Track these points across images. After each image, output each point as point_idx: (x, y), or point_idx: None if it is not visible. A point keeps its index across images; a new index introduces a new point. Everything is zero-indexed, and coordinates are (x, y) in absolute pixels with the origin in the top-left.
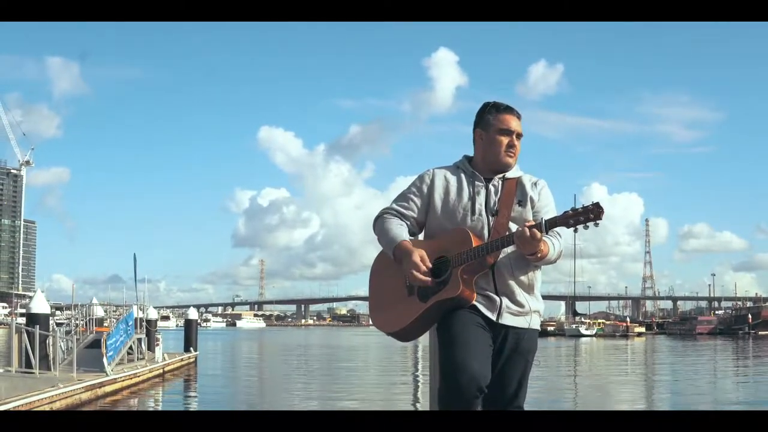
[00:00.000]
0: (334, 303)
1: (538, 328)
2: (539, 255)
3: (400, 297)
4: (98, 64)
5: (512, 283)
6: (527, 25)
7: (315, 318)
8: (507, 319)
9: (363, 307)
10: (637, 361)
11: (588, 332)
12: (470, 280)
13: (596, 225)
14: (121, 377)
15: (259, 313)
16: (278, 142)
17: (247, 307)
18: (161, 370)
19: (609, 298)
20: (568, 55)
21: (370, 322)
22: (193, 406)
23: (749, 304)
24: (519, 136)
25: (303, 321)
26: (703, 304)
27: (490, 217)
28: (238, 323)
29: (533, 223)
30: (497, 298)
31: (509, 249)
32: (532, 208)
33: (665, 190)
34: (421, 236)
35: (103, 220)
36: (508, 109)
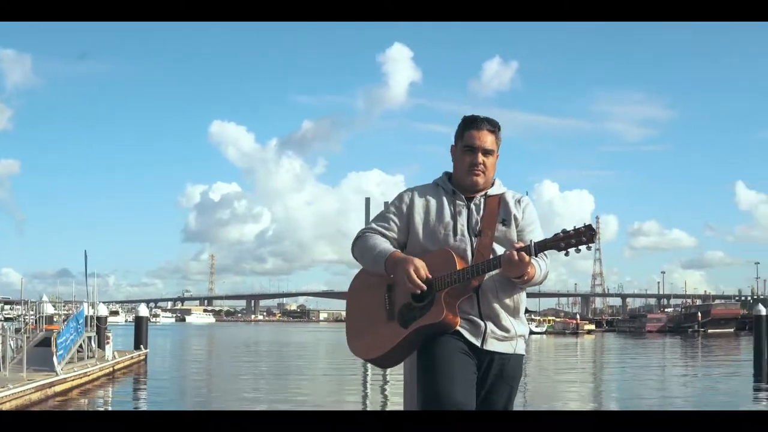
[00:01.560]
0: (285, 298)
1: (524, 353)
2: (526, 278)
3: (379, 321)
4: (51, 59)
5: (497, 306)
6: (482, 22)
7: (265, 313)
8: (492, 345)
9: (313, 303)
10: (587, 359)
11: (538, 330)
12: (454, 304)
13: (588, 248)
14: (71, 376)
15: (209, 308)
16: (230, 136)
17: (197, 302)
18: (111, 369)
19: (559, 295)
20: (522, 52)
21: (320, 318)
22: (143, 406)
23: (698, 301)
24: (487, 152)
25: (253, 316)
26: (653, 301)
27: (473, 238)
28: (188, 318)
29: (520, 245)
30: (482, 323)
31: (494, 271)
32: (516, 227)
33: (616, 187)
34: None
35: (53, 214)
36: (476, 124)
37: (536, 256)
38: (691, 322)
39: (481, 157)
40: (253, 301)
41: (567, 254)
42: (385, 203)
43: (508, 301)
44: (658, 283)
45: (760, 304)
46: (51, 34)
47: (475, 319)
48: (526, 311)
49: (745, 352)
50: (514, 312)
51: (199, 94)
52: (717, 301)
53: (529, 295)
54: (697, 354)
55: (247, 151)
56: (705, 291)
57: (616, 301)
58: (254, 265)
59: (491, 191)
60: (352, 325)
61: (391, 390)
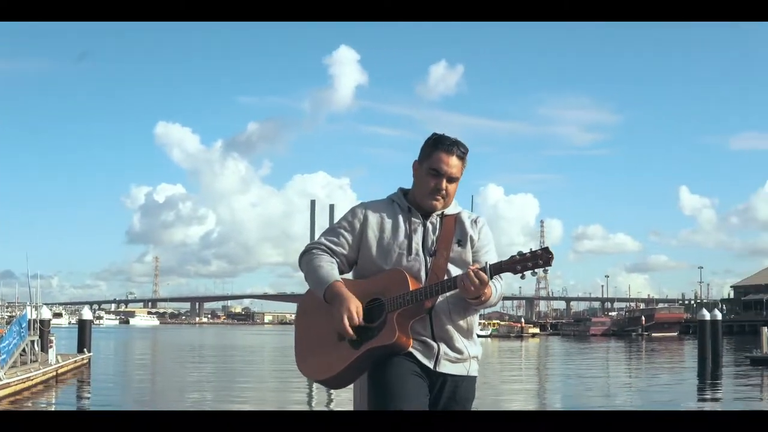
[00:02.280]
0: (229, 301)
1: (477, 374)
2: (483, 299)
3: (329, 342)
4: None
5: (450, 328)
6: (429, 25)
7: (209, 316)
8: (445, 367)
9: (257, 306)
10: (532, 362)
11: (483, 333)
12: (406, 325)
13: (545, 272)
14: (14, 381)
15: (153, 310)
16: (175, 137)
17: (141, 304)
18: (54, 373)
19: (503, 298)
20: (468, 55)
21: (265, 320)
22: (88, 410)
23: (642, 305)
24: (452, 179)
25: (197, 319)
26: (597, 305)
27: (428, 258)
28: (132, 321)
29: (476, 266)
30: (435, 345)
31: (448, 292)
32: (472, 247)
33: (560, 191)
34: (349, 276)
35: None
36: (447, 147)
37: (491, 279)
38: (634, 326)
39: (444, 184)
40: (197, 304)
41: (523, 277)
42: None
43: (461, 322)
44: (602, 286)
45: (704, 309)
46: None
47: (428, 340)
48: None
49: (689, 356)
50: (467, 333)
51: (143, 94)
52: (660, 305)
53: None
54: (641, 357)
55: (192, 152)
56: (648, 295)
57: (561, 305)
58: (199, 267)
59: (447, 211)
60: (301, 345)
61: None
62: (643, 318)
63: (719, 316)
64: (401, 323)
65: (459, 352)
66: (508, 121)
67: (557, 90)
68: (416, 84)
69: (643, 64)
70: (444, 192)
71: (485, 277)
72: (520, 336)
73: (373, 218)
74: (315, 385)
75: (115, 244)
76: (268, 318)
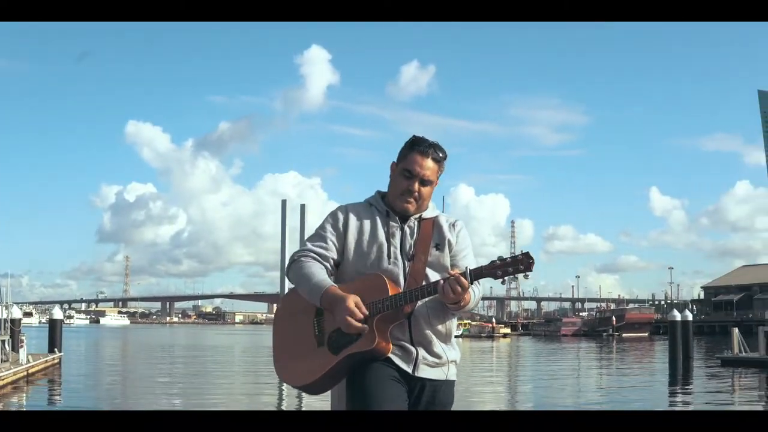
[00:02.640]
0: (200, 301)
1: (455, 379)
2: (462, 304)
3: (308, 347)
4: None
5: (429, 333)
6: (401, 25)
7: (180, 316)
8: (424, 372)
9: (228, 305)
10: (504, 363)
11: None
12: (386, 330)
13: (526, 277)
14: None
15: (124, 310)
16: (146, 136)
17: (112, 303)
18: (25, 373)
19: None
20: (440, 56)
21: (236, 320)
22: (62, 410)
23: (612, 306)
24: (425, 182)
25: (168, 319)
26: (567, 305)
27: (406, 262)
28: (102, 320)
29: (457, 271)
30: (413, 349)
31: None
32: (450, 251)
33: (531, 192)
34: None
35: None
36: (422, 148)
37: (472, 284)
38: (605, 326)
39: (417, 186)
40: (168, 303)
41: (504, 282)
42: (302, 206)
43: (440, 327)
44: (573, 287)
45: (675, 310)
46: None
47: (407, 345)
48: None
49: (660, 356)
50: (445, 338)
51: (114, 93)
52: (631, 306)
53: None
54: (612, 358)
55: (163, 151)
56: (619, 295)
57: (531, 305)
58: (169, 266)
59: (425, 214)
60: (280, 351)
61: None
62: (614, 318)
63: (690, 316)
64: (381, 328)
65: (437, 356)
66: (479, 122)
67: (527, 90)
68: (388, 84)
69: (612, 65)
70: (416, 194)
71: (466, 282)
72: (491, 336)
73: (353, 221)
74: (285, 387)
75: (85, 244)
76: (239, 318)
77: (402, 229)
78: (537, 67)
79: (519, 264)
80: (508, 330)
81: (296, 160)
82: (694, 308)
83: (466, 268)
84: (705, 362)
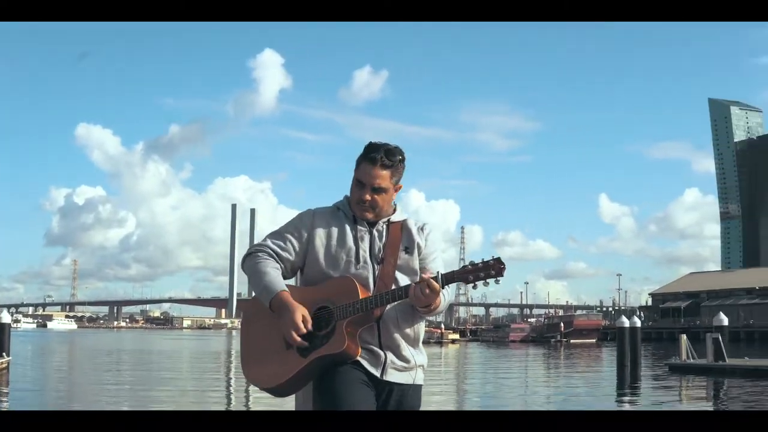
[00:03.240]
0: (148, 305)
1: (422, 383)
2: (433, 307)
3: (276, 350)
4: None
5: (398, 336)
6: (355, 29)
7: (128, 320)
8: (392, 376)
9: (176, 310)
10: (452, 368)
11: None
12: (355, 333)
13: (497, 282)
14: None
15: (71, 314)
16: (96, 139)
17: (59, 307)
18: None
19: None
20: (393, 60)
21: (184, 325)
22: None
23: (561, 312)
24: (377, 190)
25: (115, 323)
26: (516, 311)
27: (376, 266)
28: (49, 324)
29: (428, 275)
30: (382, 353)
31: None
32: (419, 255)
33: (481, 197)
34: (291, 281)
35: None
36: (372, 157)
37: (443, 288)
38: (554, 333)
39: (368, 195)
40: (116, 308)
41: (475, 287)
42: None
43: (408, 331)
44: (522, 293)
45: (623, 316)
46: None
47: (375, 349)
48: None
49: (607, 362)
50: (414, 342)
51: (65, 95)
52: (579, 312)
53: None
54: (560, 364)
55: (113, 154)
56: (567, 301)
57: (480, 311)
58: (118, 270)
59: (393, 218)
60: (248, 353)
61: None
62: (562, 324)
63: (638, 323)
64: (350, 332)
65: (406, 360)
66: (430, 127)
67: (478, 96)
68: (340, 88)
69: (562, 72)
70: (370, 202)
71: (437, 286)
72: (439, 342)
73: (320, 225)
74: (234, 391)
75: (33, 247)
76: (187, 322)
77: (371, 233)
78: (488, 72)
79: (490, 269)
80: (456, 336)
81: (247, 165)
82: (642, 315)
83: (438, 272)
84: (653, 368)
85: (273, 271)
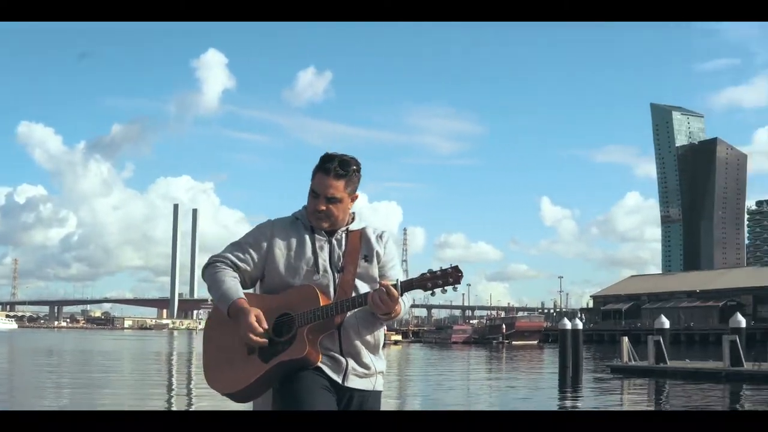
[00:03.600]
0: (89, 305)
1: (382, 389)
2: (393, 315)
3: (239, 356)
4: None
5: (358, 343)
6: (299, 30)
7: (69, 320)
8: (353, 382)
9: (117, 310)
10: (394, 369)
11: None
12: (315, 340)
13: (455, 289)
14: None
15: (11, 313)
16: (38, 137)
17: None
18: None
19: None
20: (337, 62)
21: (125, 325)
22: None
23: (502, 313)
24: (332, 200)
25: (56, 323)
26: (458, 312)
27: (336, 274)
28: None
29: (387, 282)
30: (343, 360)
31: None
32: (378, 263)
33: (424, 200)
34: (251, 291)
35: None
36: (325, 168)
37: (401, 295)
38: (495, 334)
39: (323, 205)
40: (56, 307)
41: (433, 294)
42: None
43: (369, 337)
44: (464, 294)
45: (565, 318)
46: None
47: (336, 355)
48: None
49: (549, 364)
50: (374, 348)
51: (6, 93)
52: (521, 314)
53: None
54: (502, 365)
55: (55, 153)
56: (509, 303)
57: (422, 312)
58: (59, 270)
59: (352, 227)
60: (210, 358)
61: (197, 392)
62: (504, 326)
63: (580, 325)
64: (311, 339)
65: (366, 367)
66: (374, 129)
67: (423, 99)
68: (284, 90)
69: (507, 75)
70: (325, 212)
71: (396, 293)
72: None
73: (279, 236)
74: (175, 393)
75: None
76: (128, 323)
77: (330, 242)
78: (433, 75)
79: (448, 277)
80: (399, 337)
81: (189, 165)
82: (583, 317)
83: (397, 279)
84: (595, 370)
85: (231, 280)
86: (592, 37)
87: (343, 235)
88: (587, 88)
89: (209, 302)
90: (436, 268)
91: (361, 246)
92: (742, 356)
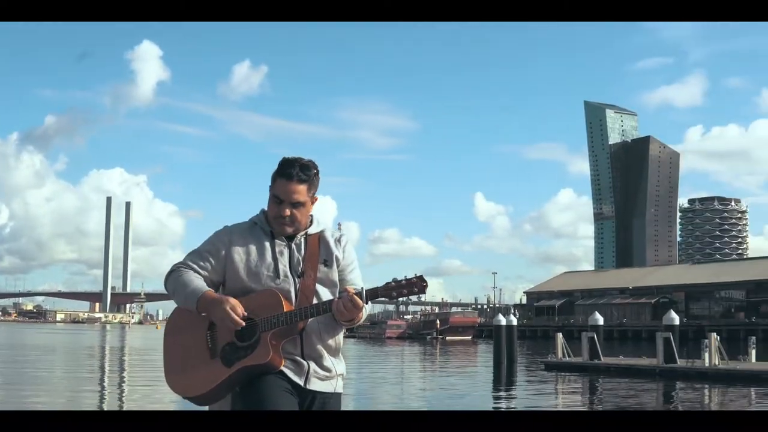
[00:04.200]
0: (21, 298)
1: (342, 391)
2: (355, 321)
3: (201, 359)
4: None
5: (320, 347)
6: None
7: (0, 313)
8: (314, 384)
9: (50, 303)
10: None
11: None
12: (278, 345)
13: (419, 298)
14: None
15: None
16: None
17: None
18: None
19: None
20: (272, 56)
21: (57, 319)
22: None
23: (436, 309)
24: (296, 204)
25: None
26: (392, 308)
27: (296, 279)
28: None
29: (352, 290)
30: (305, 363)
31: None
32: (338, 267)
33: (358, 194)
34: None
35: None
36: (287, 173)
37: (366, 303)
38: (430, 330)
39: (288, 211)
40: None
41: (397, 303)
42: (127, 203)
43: (330, 341)
44: None
45: (500, 314)
46: None
47: (298, 359)
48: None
49: (483, 359)
50: (335, 352)
51: None
52: (454, 309)
53: None
54: (436, 361)
55: None
56: (443, 299)
57: None
58: None
59: (311, 230)
60: (171, 362)
61: (129, 389)
62: (438, 322)
63: (515, 321)
64: (274, 344)
65: (327, 370)
66: (309, 123)
67: (358, 94)
68: (219, 83)
69: (440, 72)
70: (289, 218)
71: (360, 302)
72: None
73: (237, 242)
74: (108, 387)
75: None
76: (60, 316)
77: (289, 247)
78: (367, 71)
79: (413, 286)
80: None
81: (123, 157)
82: (517, 313)
83: (362, 288)
84: (529, 366)
85: (196, 279)
86: (527, 35)
87: (303, 239)
88: (522, 85)
89: (141, 295)
90: (400, 276)
91: (320, 250)
92: (676, 353)
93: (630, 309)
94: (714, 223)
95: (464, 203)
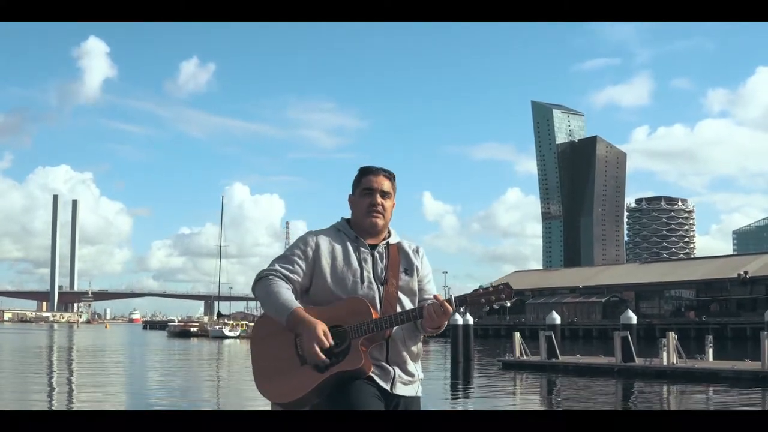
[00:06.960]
0: None
1: (422, 395)
2: (441, 329)
3: (292, 366)
4: None
5: (404, 353)
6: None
7: None
8: (399, 389)
9: None
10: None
11: (232, 334)
12: (367, 351)
13: (505, 305)
14: None
15: None
16: None
17: None
18: None
19: (249, 299)
20: (220, 54)
21: (4, 318)
22: None
23: None
24: (385, 194)
25: None
26: None
27: (380, 286)
28: None
29: (440, 297)
30: (390, 369)
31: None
32: (417, 277)
33: (306, 193)
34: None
35: None
36: (373, 171)
37: (456, 311)
38: None
39: (379, 199)
40: None
41: (487, 310)
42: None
43: (413, 348)
44: None
45: (456, 314)
46: None
47: (384, 364)
48: (219, 315)
49: (436, 357)
50: (416, 357)
51: None
52: None
53: (221, 299)
54: None
55: None
56: None
57: None
58: None
59: (391, 240)
60: (261, 369)
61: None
62: None
63: (471, 320)
64: (364, 350)
65: (411, 374)
66: (257, 122)
67: (304, 93)
68: (166, 80)
69: (388, 71)
70: (380, 207)
71: (450, 308)
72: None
73: (324, 246)
74: (57, 385)
75: None
76: (7, 315)
77: (372, 255)
78: (315, 70)
79: (501, 293)
80: None
81: (69, 155)
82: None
83: (452, 295)
84: (486, 365)
85: (286, 292)
86: (474, 35)
87: (384, 248)
88: (469, 85)
89: (89, 294)
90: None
91: (400, 259)
92: (634, 352)
93: (580, 308)
94: (661, 223)
95: (412, 202)
